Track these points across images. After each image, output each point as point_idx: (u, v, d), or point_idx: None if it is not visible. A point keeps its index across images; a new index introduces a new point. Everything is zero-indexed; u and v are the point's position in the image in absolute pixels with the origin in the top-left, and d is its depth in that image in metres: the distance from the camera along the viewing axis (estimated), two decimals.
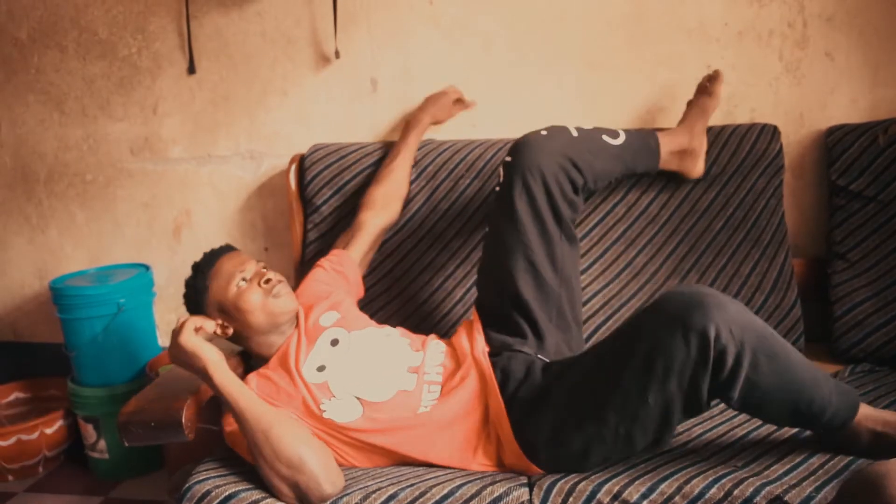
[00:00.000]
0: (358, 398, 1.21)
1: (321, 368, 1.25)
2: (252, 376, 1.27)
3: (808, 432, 1.14)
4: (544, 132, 1.32)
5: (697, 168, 1.51)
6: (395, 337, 1.33)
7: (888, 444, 1.05)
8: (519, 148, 1.30)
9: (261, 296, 1.26)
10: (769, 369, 1.00)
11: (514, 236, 1.28)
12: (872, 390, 1.30)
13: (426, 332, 1.39)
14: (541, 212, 1.27)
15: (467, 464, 1.17)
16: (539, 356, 1.27)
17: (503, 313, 1.30)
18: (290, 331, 1.32)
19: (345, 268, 1.46)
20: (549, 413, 1.13)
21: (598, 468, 1.11)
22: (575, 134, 1.34)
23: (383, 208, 1.54)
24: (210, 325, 1.21)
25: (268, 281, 1.27)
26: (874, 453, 1.05)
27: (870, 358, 1.43)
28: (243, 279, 1.28)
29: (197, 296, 1.29)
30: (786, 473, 1.03)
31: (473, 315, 1.35)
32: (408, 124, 1.62)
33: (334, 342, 1.29)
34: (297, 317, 1.33)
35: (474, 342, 1.28)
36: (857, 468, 1.03)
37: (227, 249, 1.35)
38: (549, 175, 1.27)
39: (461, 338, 1.31)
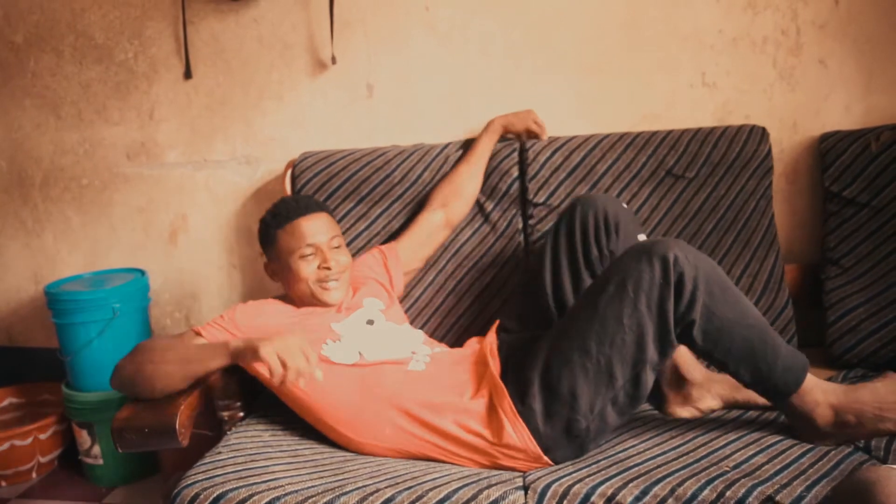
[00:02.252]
0: (360, 353, 1.30)
1: (344, 332, 1.34)
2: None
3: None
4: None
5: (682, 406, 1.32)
6: (419, 335, 1.42)
7: (850, 428, 1.11)
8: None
9: (315, 275, 1.37)
10: (723, 299, 1.12)
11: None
12: None
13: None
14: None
15: (461, 404, 1.22)
16: None
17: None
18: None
19: (389, 259, 1.54)
20: (539, 357, 1.20)
21: (591, 458, 1.14)
22: None
23: (441, 206, 1.57)
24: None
25: (328, 268, 1.37)
26: (838, 436, 1.12)
27: (863, 363, 1.43)
28: (311, 252, 1.37)
29: (267, 235, 1.43)
30: (776, 473, 1.04)
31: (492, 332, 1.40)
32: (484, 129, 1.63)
33: (370, 322, 1.38)
34: None
35: (485, 339, 1.36)
36: (846, 470, 1.04)
37: (312, 208, 1.41)
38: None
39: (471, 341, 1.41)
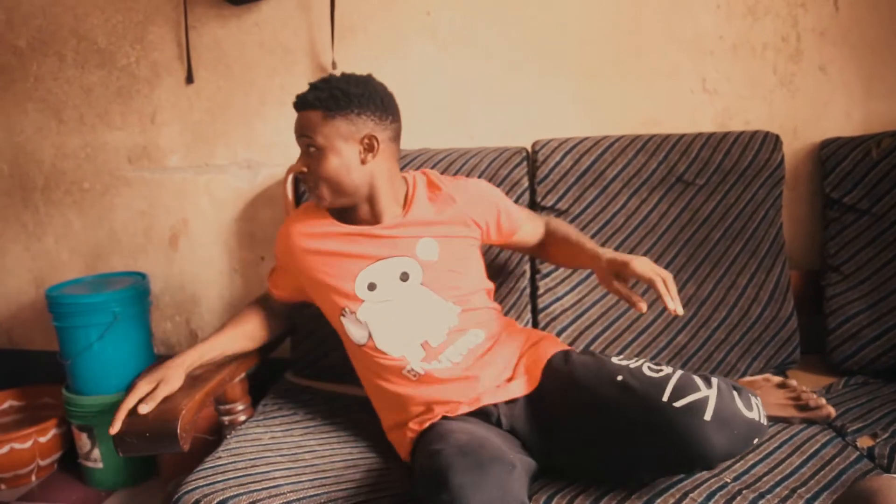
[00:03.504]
0: (370, 335, 1.23)
1: (371, 287, 1.23)
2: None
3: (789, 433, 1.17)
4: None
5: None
6: (445, 322, 1.23)
7: None
8: None
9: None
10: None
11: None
12: (866, 402, 1.31)
13: None
14: None
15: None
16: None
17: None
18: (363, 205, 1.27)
19: (513, 219, 1.36)
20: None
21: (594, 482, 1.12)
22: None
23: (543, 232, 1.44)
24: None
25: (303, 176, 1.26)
26: None
27: (863, 370, 1.43)
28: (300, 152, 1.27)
29: None
30: (777, 485, 1.04)
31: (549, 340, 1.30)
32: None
33: (404, 276, 1.23)
34: (405, 196, 1.28)
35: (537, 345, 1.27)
36: (848, 481, 1.04)
37: (298, 106, 1.27)
38: None
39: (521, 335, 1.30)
